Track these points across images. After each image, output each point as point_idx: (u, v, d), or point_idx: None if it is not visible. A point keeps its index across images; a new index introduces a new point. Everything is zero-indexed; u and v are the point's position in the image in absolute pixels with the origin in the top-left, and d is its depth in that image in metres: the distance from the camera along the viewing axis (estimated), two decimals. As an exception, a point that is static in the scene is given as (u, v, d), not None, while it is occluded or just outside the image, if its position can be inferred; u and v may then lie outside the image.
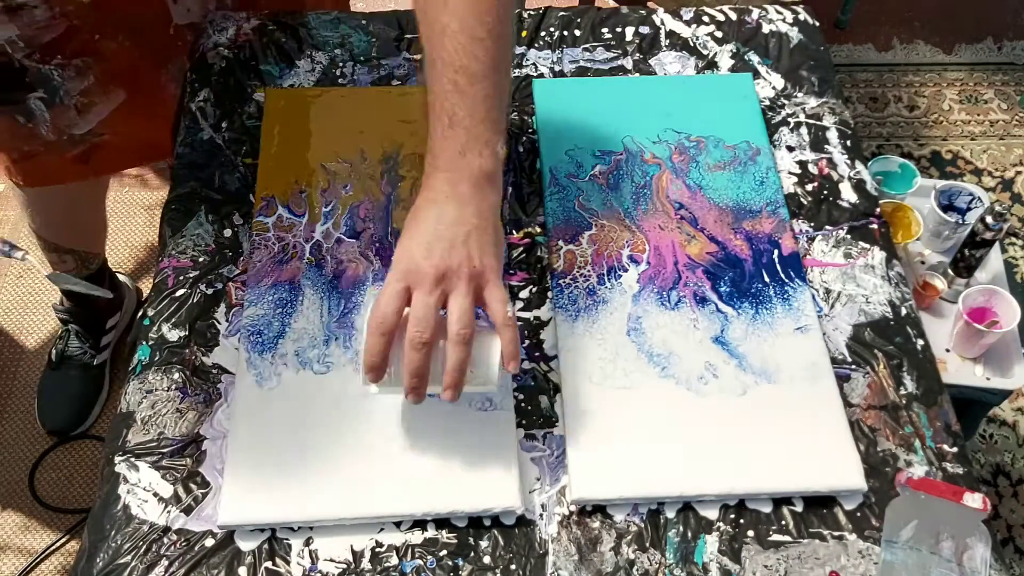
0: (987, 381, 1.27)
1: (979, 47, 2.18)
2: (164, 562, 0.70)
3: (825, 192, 0.93)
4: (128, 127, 1.14)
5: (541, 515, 0.73)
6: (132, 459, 0.75)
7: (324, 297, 0.83)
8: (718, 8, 1.08)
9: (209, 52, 1.01)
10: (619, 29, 1.06)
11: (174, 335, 0.82)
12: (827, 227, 0.91)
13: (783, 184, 0.93)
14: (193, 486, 0.74)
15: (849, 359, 0.82)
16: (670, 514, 0.74)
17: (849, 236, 0.90)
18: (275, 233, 0.87)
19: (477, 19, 0.70)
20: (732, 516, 0.74)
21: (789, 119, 0.99)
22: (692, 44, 1.05)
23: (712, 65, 1.03)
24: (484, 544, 0.72)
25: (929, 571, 0.68)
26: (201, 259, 0.87)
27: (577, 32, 1.05)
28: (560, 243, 0.87)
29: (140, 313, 0.84)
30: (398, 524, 0.73)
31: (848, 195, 0.93)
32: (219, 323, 0.83)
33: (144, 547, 0.71)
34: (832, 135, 0.98)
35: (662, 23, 1.06)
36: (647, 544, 0.72)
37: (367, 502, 0.72)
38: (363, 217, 0.88)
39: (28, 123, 1.09)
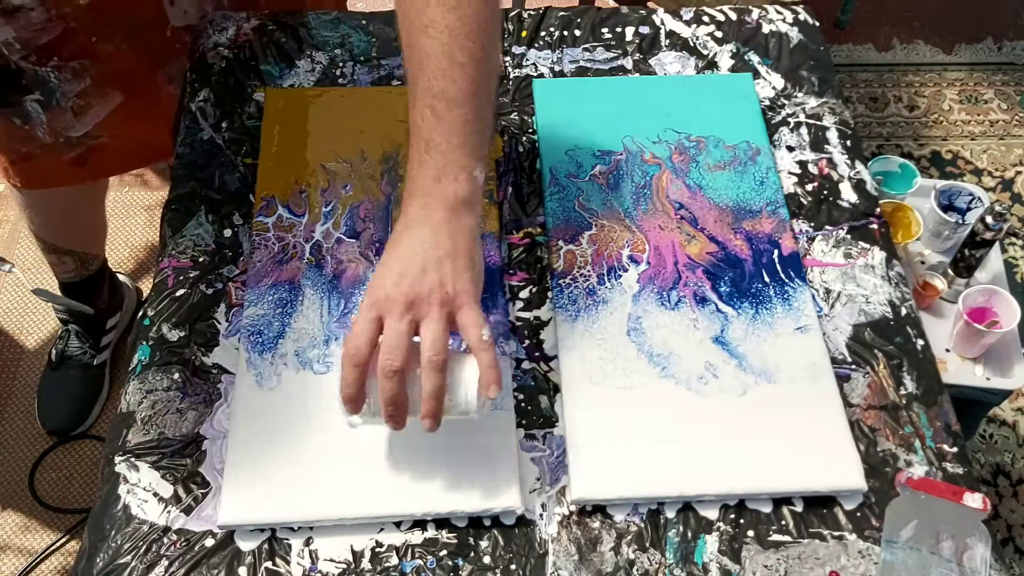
0: (987, 381, 1.27)
1: (979, 47, 2.18)
2: (164, 562, 0.70)
3: (825, 192, 0.93)
4: (125, 129, 1.14)
5: (541, 515, 0.73)
6: (132, 459, 0.75)
7: (324, 297, 0.83)
8: (718, 8, 1.08)
9: (209, 52, 1.01)
10: (619, 29, 1.06)
11: (174, 335, 0.82)
12: (827, 227, 0.91)
13: (783, 184, 0.93)
14: (193, 486, 0.74)
15: (849, 359, 0.82)
16: (670, 514, 0.74)
17: (849, 236, 0.90)
18: (275, 233, 0.87)
19: (458, 45, 0.69)
20: (732, 516, 0.74)
21: (789, 119, 0.99)
22: (692, 44, 1.05)
23: (712, 65, 1.03)
24: (484, 544, 0.72)
25: (929, 571, 0.68)
26: (201, 259, 0.87)
27: (577, 32, 1.05)
28: (560, 243, 0.87)
29: (140, 313, 0.84)
30: (398, 524, 0.73)
31: (848, 195, 0.93)
32: (219, 323, 0.83)
33: (144, 547, 0.71)
34: (832, 135, 0.98)
35: (662, 23, 1.06)
36: (647, 544, 0.72)
37: (367, 502, 0.72)
38: (363, 217, 0.88)
39: (24, 125, 1.09)
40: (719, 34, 1.06)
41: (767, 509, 0.74)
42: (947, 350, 1.29)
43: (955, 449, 0.77)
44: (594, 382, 0.78)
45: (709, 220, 0.89)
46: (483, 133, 0.71)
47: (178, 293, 0.84)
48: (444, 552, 0.71)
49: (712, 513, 0.74)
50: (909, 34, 2.20)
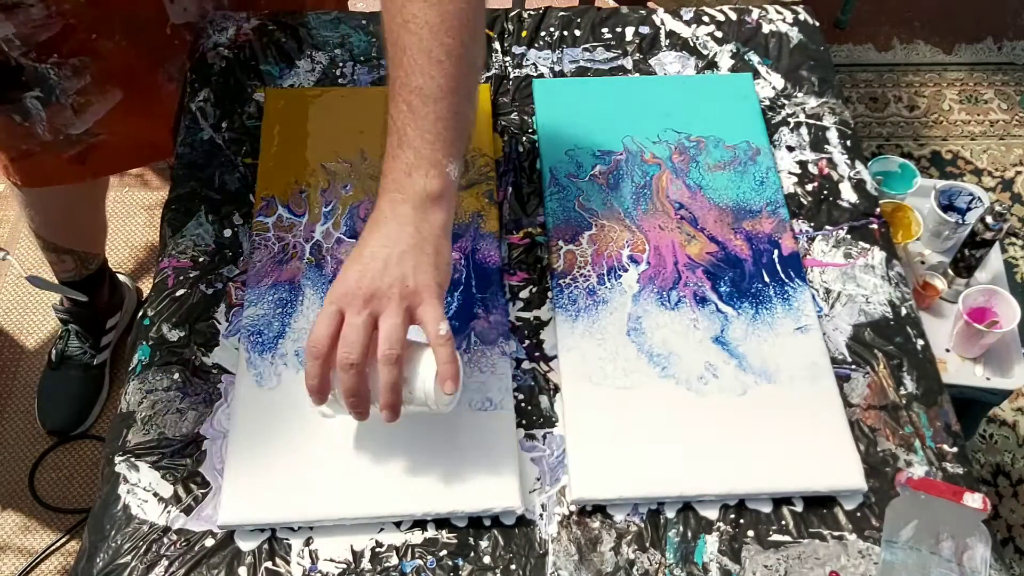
0: (987, 381, 1.27)
1: (979, 47, 2.18)
2: (164, 562, 0.70)
3: (825, 192, 0.93)
4: (125, 127, 1.14)
5: (541, 515, 0.73)
6: (132, 459, 0.75)
7: (324, 297, 0.83)
8: (718, 8, 1.08)
9: (209, 52, 1.01)
10: (619, 29, 1.06)
11: (174, 335, 0.82)
12: (827, 227, 0.91)
13: (783, 184, 0.93)
14: (193, 486, 0.74)
15: (849, 359, 0.82)
16: (670, 514, 0.74)
17: (849, 236, 0.90)
18: (275, 233, 0.87)
19: (437, 40, 0.69)
20: (732, 516, 0.74)
21: (789, 119, 0.99)
22: (692, 44, 1.05)
23: (712, 65, 1.03)
24: (484, 544, 0.72)
25: (929, 571, 0.68)
26: (201, 259, 0.87)
27: (577, 32, 1.05)
28: (560, 243, 0.87)
29: (140, 313, 0.84)
30: (398, 524, 0.73)
31: (848, 195, 0.93)
32: (219, 323, 0.83)
33: (144, 547, 0.71)
34: (832, 135, 0.98)
35: (662, 23, 1.06)
36: (647, 544, 0.72)
37: (367, 502, 0.72)
38: (363, 217, 0.88)
39: (24, 122, 1.09)
40: (719, 34, 1.06)
41: (767, 509, 0.74)
42: (947, 350, 1.29)
43: (955, 449, 0.77)
44: (594, 382, 0.78)
45: (709, 220, 0.89)
46: (459, 129, 0.71)
47: (178, 293, 0.84)
48: (444, 552, 0.71)
49: (712, 513, 0.74)
50: (909, 34, 2.20)
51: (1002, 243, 1.55)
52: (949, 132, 2.02)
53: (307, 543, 0.72)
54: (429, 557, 0.71)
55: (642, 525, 0.73)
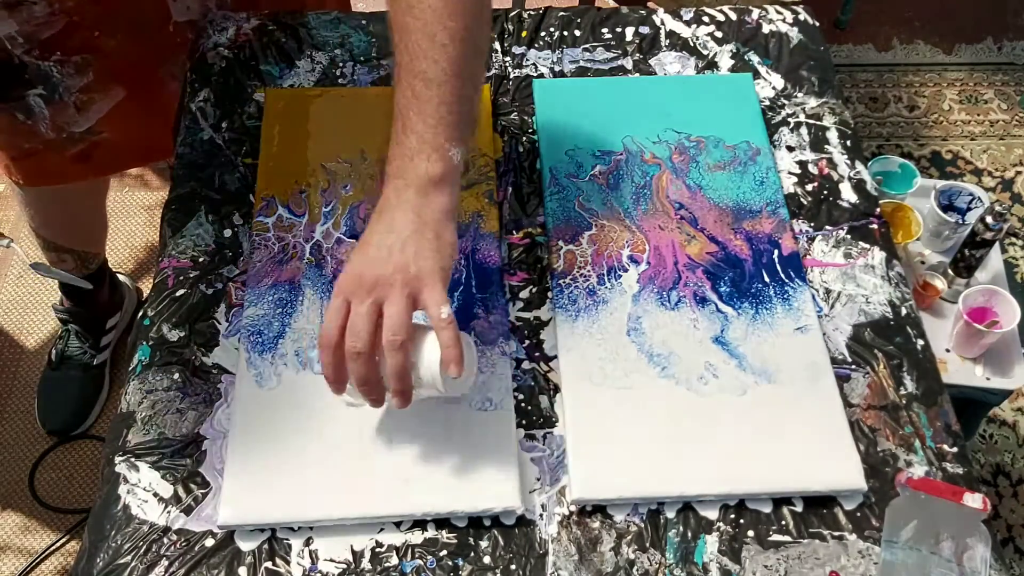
0: (987, 381, 1.27)
1: (979, 47, 2.18)
2: (164, 562, 0.70)
3: (825, 192, 0.93)
4: (127, 125, 1.14)
5: (541, 515, 0.73)
6: (132, 459, 0.75)
7: (324, 297, 0.83)
8: (718, 8, 1.08)
9: (209, 52, 1.01)
10: (619, 29, 1.06)
11: (174, 335, 0.82)
12: (827, 227, 0.91)
13: (783, 184, 0.93)
14: (193, 486, 0.74)
15: (849, 359, 0.82)
16: (670, 514, 0.74)
17: (849, 236, 0.90)
18: (275, 233, 0.87)
19: (440, 24, 0.69)
20: (732, 516, 0.74)
21: (789, 119, 0.99)
22: (692, 44, 1.05)
23: (712, 65, 1.03)
24: (484, 544, 0.72)
25: (929, 571, 0.68)
26: (201, 259, 0.87)
27: (577, 32, 1.05)
28: (560, 243, 0.87)
29: (140, 313, 0.84)
30: (398, 524, 0.73)
31: (848, 195, 0.93)
32: (219, 323, 0.83)
33: (144, 547, 0.71)
34: (832, 135, 0.98)
35: (662, 23, 1.06)
36: (647, 544, 0.72)
37: (367, 502, 0.72)
38: (363, 217, 0.88)
39: (27, 120, 1.09)
40: (719, 34, 1.06)
41: (767, 509, 0.74)
42: (947, 350, 1.29)
43: (955, 449, 0.77)
44: (594, 382, 0.78)
45: (709, 220, 0.89)
46: (462, 113, 0.71)
47: (178, 293, 0.84)
48: (444, 552, 0.71)
49: (712, 513, 0.74)
50: (909, 34, 2.20)
51: (1002, 243, 1.55)
52: (949, 132, 2.02)
53: (307, 543, 0.72)
54: (429, 557, 0.71)
55: (642, 525, 0.73)
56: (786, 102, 1.00)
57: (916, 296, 1.30)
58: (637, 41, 1.05)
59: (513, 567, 0.71)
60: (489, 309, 0.82)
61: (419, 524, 0.73)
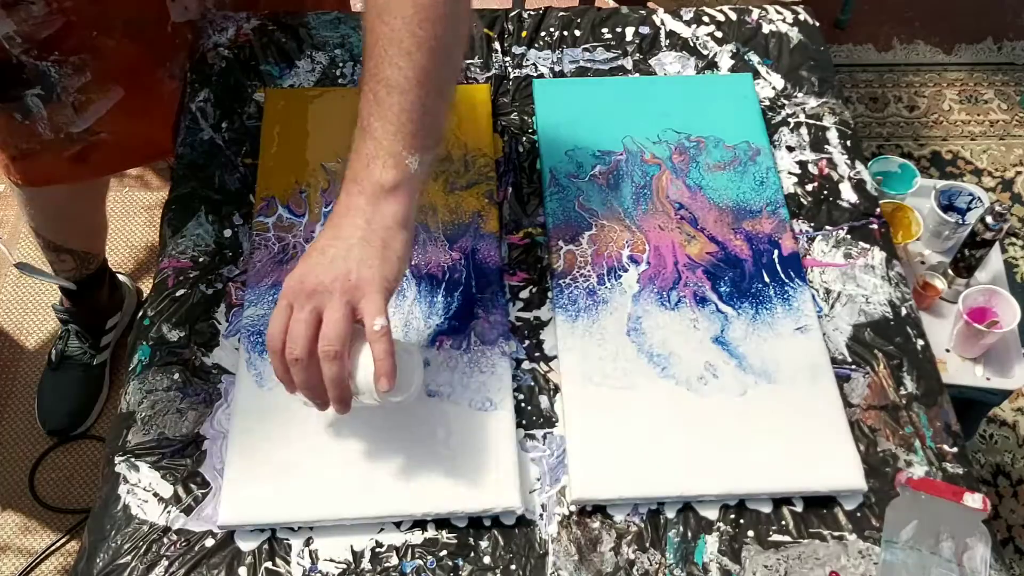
0: (987, 381, 1.27)
1: (979, 47, 2.18)
2: (164, 562, 0.70)
3: (825, 192, 0.93)
4: (126, 125, 1.14)
5: (541, 515, 0.73)
6: (132, 459, 0.75)
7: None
8: (718, 8, 1.08)
9: (209, 52, 1.01)
10: (619, 29, 1.06)
11: (174, 335, 0.82)
12: (827, 227, 0.91)
13: (783, 184, 0.93)
14: (193, 486, 0.74)
15: (849, 359, 0.82)
16: (670, 514, 0.74)
17: (849, 236, 0.90)
18: (275, 233, 0.87)
19: (409, 31, 0.68)
20: (732, 516, 0.74)
21: (789, 119, 0.99)
22: (692, 44, 1.05)
23: (712, 65, 1.03)
24: (484, 544, 0.72)
25: (929, 571, 0.68)
26: (201, 259, 0.87)
27: (577, 32, 1.05)
28: (560, 243, 0.87)
29: (140, 313, 0.84)
30: (398, 524, 0.73)
31: (848, 195, 0.93)
32: (219, 323, 0.83)
33: (144, 547, 0.71)
34: (832, 135, 0.98)
35: (662, 23, 1.06)
36: (647, 544, 0.72)
37: (367, 502, 0.72)
38: (363, 217, 0.88)
39: (25, 120, 1.09)
40: (719, 34, 1.06)
41: (767, 509, 0.74)
42: (947, 350, 1.29)
43: (955, 449, 0.77)
44: (594, 382, 0.78)
45: (709, 220, 0.89)
46: (424, 123, 0.69)
47: (178, 293, 0.84)
48: (444, 552, 0.71)
49: (712, 513, 0.74)
50: (909, 34, 2.20)
51: (1002, 243, 1.55)
52: (949, 132, 2.02)
53: (307, 543, 0.72)
54: (429, 557, 0.71)
55: (642, 525, 0.73)
56: (786, 102, 1.00)
57: (916, 296, 1.30)
58: (637, 41, 1.05)
59: (513, 567, 0.71)
60: (489, 309, 0.82)
61: (419, 524, 0.73)
